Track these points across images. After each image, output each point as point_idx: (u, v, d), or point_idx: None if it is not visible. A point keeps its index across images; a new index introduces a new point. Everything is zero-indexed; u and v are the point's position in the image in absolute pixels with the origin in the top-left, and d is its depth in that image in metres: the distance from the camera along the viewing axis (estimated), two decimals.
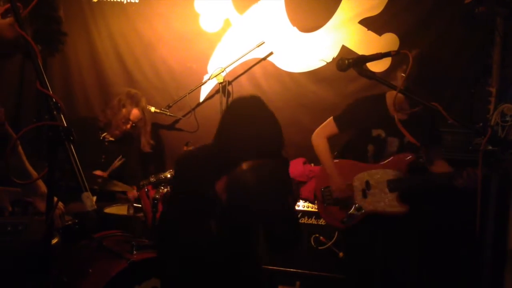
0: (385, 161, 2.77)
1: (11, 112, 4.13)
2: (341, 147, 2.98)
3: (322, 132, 2.90)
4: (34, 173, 1.92)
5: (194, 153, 2.07)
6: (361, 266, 2.81)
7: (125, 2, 4.18)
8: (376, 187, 2.75)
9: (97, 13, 4.22)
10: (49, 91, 1.27)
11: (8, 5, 1.59)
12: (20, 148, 1.76)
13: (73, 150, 1.21)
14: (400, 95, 2.50)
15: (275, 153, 1.89)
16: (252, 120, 1.88)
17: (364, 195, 2.77)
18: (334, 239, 3.32)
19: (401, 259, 2.80)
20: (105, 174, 3.43)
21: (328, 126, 2.89)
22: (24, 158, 1.85)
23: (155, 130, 3.95)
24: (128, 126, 3.67)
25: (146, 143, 3.78)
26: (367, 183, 2.77)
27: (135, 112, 3.68)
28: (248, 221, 1.90)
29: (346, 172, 2.82)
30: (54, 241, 1.77)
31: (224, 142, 1.89)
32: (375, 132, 2.78)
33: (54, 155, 1.21)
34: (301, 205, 3.45)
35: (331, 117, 2.89)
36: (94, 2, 4.22)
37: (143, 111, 3.73)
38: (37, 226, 1.62)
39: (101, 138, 3.68)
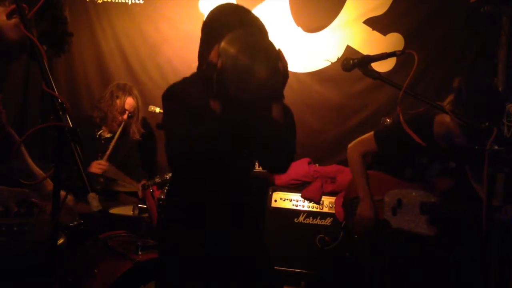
0: (421, 183, 2.66)
1: (16, 113, 4.15)
2: (379, 158, 2.84)
3: (361, 147, 2.75)
4: (40, 172, 1.92)
5: (178, 82, 1.96)
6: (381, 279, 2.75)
7: (130, 3, 4.19)
8: (407, 207, 2.66)
9: (102, 14, 4.23)
10: (55, 92, 1.27)
11: (13, 6, 1.60)
12: (23, 148, 1.73)
13: (79, 150, 1.22)
14: (451, 121, 2.40)
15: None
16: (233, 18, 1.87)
17: (394, 213, 2.70)
18: (339, 239, 3.32)
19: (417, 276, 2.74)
20: (105, 164, 3.44)
21: (367, 142, 2.73)
22: (28, 158, 1.85)
23: (161, 131, 3.95)
24: (125, 116, 3.67)
25: (136, 130, 3.76)
26: (399, 201, 2.69)
27: (129, 101, 3.67)
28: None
29: (378, 185, 2.72)
30: (60, 241, 1.78)
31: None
32: (418, 159, 2.67)
33: (60, 156, 1.21)
34: (306, 206, 3.45)
35: (372, 133, 2.72)
36: (99, 3, 4.23)
37: (137, 99, 3.73)
38: (43, 227, 1.62)
39: (97, 136, 3.68)
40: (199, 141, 1.74)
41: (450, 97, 2.40)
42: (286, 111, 1.87)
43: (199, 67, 1.94)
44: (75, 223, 2.60)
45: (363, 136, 2.78)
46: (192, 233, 1.93)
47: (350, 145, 2.80)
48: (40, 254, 1.54)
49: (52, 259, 1.28)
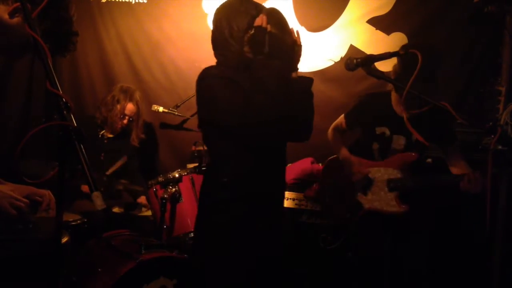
0: (387, 159, 2.74)
1: (20, 112, 4.16)
2: (349, 147, 2.98)
3: (335, 128, 2.95)
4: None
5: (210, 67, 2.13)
6: (368, 266, 2.80)
7: (133, 2, 4.20)
8: (376, 185, 2.74)
9: (106, 13, 4.24)
10: (59, 91, 1.28)
11: (16, 5, 1.59)
12: None
13: (83, 149, 1.22)
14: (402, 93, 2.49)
15: None
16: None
17: (365, 193, 2.77)
18: (342, 239, 3.31)
19: (409, 259, 2.79)
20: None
21: (339, 122, 2.93)
22: None
23: (164, 130, 3.96)
24: (125, 121, 3.68)
25: (135, 136, 3.77)
26: (369, 180, 2.76)
27: (129, 107, 3.68)
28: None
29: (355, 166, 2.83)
30: (64, 240, 1.78)
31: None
32: (379, 130, 2.76)
33: (64, 155, 1.21)
34: (309, 205, 3.44)
35: (343, 114, 2.93)
36: (103, 2, 4.23)
37: (138, 104, 3.73)
38: (47, 225, 1.63)
39: (100, 135, 3.69)
40: (264, 104, 1.90)
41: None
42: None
43: (218, 53, 2.10)
44: (78, 221, 2.62)
45: (337, 120, 2.99)
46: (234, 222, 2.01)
47: (329, 129, 2.99)
48: (44, 252, 1.55)
49: (57, 258, 1.29)
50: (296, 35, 2.06)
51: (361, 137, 2.91)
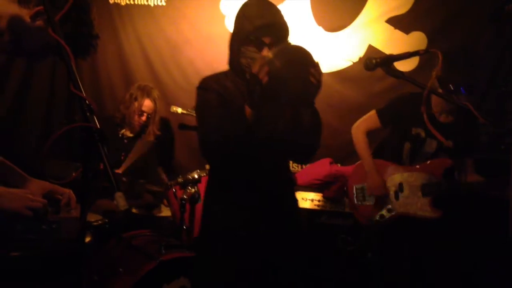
0: (421, 164, 2.72)
1: (43, 113, 4.23)
2: (377, 146, 2.95)
3: (364, 126, 2.88)
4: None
5: (212, 75, 2.14)
6: (388, 269, 2.78)
7: (152, 5, 4.24)
8: (409, 190, 2.71)
9: (125, 16, 4.29)
10: (82, 93, 1.30)
11: (37, 9, 1.62)
12: None
13: (106, 150, 1.24)
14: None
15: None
16: (273, 5, 2.01)
17: (396, 197, 2.74)
18: (361, 239, 3.29)
19: (431, 265, 2.76)
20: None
21: (370, 119, 2.88)
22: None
23: (183, 131, 3.98)
24: (144, 118, 3.71)
25: (151, 131, 3.78)
26: (400, 185, 2.73)
27: (147, 103, 3.71)
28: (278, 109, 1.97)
29: (379, 172, 2.80)
30: (87, 239, 1.81)
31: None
32: (414, 131, 2.74)
33: (87, 156, 1.23)
34: (328, 206, 3.43)
35: (374, 111, 2.87)
36: (122, 5, 4.28)
37: (155, 101, 3.75)
38: (70, 225, 1.65)
39: (120, 135, 3.72)
40: (231, 129, 1.87)
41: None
42: (315, 114, 1.99)
43: (230, 60, 2.08)
44: (100, 222, 2.65)
45: (366, 115, 2.91)
46: (228, 228, 2.03)
47: (353, 126, 2.92)
48: (68, 252, 1.57)
49: (80, 257, 1.31)
50: (316, 78, 1.88)
51: (393, 136, 2.88)
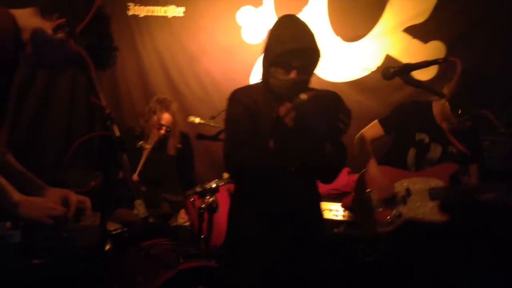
0: (428, 169, 2.74)
1: (64, 123, 4.30)
2: (383, 155, 2.95)
3: (367, 134, 2.90)
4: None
5: (243, 88, 2.19)
6: (405, 275, 2.76)
7: (170, 16, 4.30)
8: (417, 194, 2.72)
9: (143, 28, 4.35)
10: (103, 103, 1.32)
11: (60, 21, 1.66)
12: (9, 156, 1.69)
13: (126, 159, 1.26)
14: (446, 104, 2.50)
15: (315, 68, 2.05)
16: (307, 29, 2.02)
17: (404, 202, 2.74)
18: (379, 250, 3.26)
19: (448, 271, 2.73)
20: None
21: (372, 128, 2.90)
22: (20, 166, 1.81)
23: (200, 141, 4.01)
24: (162, 131, 3.74)
25: (172, 146, 3.82)
26: (408, 190, 2.74)
27: (166, 117, 3.73)
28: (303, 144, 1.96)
29: (386, 177, 2.81)
30: (107, 247, 1.82)
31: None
32: (418, 136, 2.76)
33: (108, 164, 1.25)
34: (347, 216, 3.41)
35: (376, 120, 2.91)
36: (141, 17, 4.35)
37: (174, 115, 3.78)
38: (90, 233, 1.67)
39: (138, 146, 3.75)
40: (255, 154, 1.94)
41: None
42: (340, 148, 2.03)
43: (262, 75, 2.11)
44: (119, 230, 2.67)
45: (368, 125, 2.94)
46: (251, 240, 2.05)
47: (356, 136, 2.94)
48: (88, 260, 1.59)
49: (100, 265, 1.32)
50: (345, 121, 1.87)
51: (397, 142, 2.90)
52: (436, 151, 2.75)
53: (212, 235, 2.90)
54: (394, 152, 2.91)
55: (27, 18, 1.65)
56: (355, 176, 3.58)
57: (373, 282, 3.23)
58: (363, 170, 3.01)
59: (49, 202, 1.72)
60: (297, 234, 2.06)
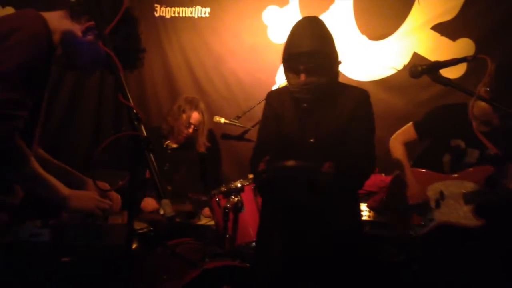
0: (463, 172, 2.67)
1: (92, 123, 4.38)
2: (417, 157, 2.90)
3: (401, 138, 2.86)
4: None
5: (279, 89, 2.37)
6: (434, 278, 2.71)
7: (196, 17, 4.32)
8: (450, 198, 2.66)
9: (170, 29, 4.38)
10: (130, 103, 1.33)
11: (89, 24, 1.68)
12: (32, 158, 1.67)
13: (152, 158, 1.27)
14: (484, 104, 2.44)
15: (330, 72, 2.10)
16: (310, 33, 2.04)
17: (438, 206, 2.68)
18: (407, 251, 3.21)
19: (480, 274, 2.67)
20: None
21: (407, 132, 2.86)
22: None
23: (226, 141, 4.03)
24: (191, 130, 3.77)
25: (202, 143, 3.84)
26: (441, 193, 2.68)
27: (195, 116, 3.77)
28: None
29: (420, 181, 2.75)
30: (134, 246, 1.85)
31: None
32: (453, 142, 2.69)
33: (135, 164, 1.27)
34: (372, 216, 3.37)
35: (411, 123, 2.86)
36: (167, 18, 4.38)
37: (202, 113, 3.82)
38: (118, 231, 1.69)
39: (164, 146, 3.79)
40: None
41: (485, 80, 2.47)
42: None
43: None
44: (145, 229, 2.70)
45: (403, 127, 2.89)
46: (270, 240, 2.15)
47: (391, 137, 2.90)
48: (115, 258, 1.61)
49: (128, 264, 1.34)
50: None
51: (432, 148, 2.84)
52: (473, 155, 2.68)
53: (237, 235, 2.91)
54: (428, 156, 2.84)
55: (57, 21, 1.68)
56: (382, 176, 3.55)
57: (399, 284, 3.19)
58: (396, 173, 2.95)
59: (96, 194, 1.76)
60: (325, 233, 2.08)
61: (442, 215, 2.66)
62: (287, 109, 2.18)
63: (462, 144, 2.67)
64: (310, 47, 2.01)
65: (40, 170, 1.63)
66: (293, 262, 2.10)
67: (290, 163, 1.93)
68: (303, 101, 2.12)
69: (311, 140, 2.11)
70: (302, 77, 2.03)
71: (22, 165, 1.54)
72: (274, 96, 2.26)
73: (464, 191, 2.64)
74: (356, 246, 2.17)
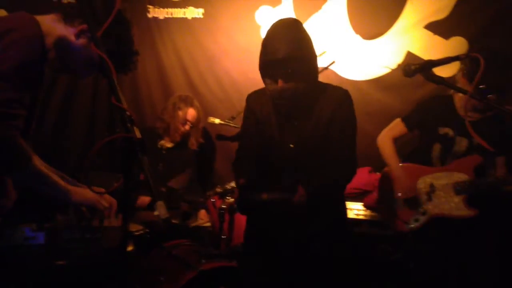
0: (451, 164, 2.69)
1: (86, 126, 4.36)
2: (407, 153, 2.92)
3: (390, 134, 2.90)
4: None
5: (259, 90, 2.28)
6: (431, 274, 2.72)
7: (190, 18, 4.31)
8: (441, 190, 2.68)
9: (164, 30, 4.38)
10: (123, 105, 1.33)
11: (82, 27, 1.68)
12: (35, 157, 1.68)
13: (146, 161, 1.27)
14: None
15: (308, 76, 2.03)
16: (284, 38, 1.98)
17: (429, 199, 2.70)
18: (403, 249, 3.22)
19: (477, 264, 2.68)
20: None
21: (395, 127, 2.91)
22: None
23: (220, 142, 4.02)
24: (187, 127, 3.77)
25: (195, 141, 3.85)
26: (432, 186, 2.70)
27: (191, 112, 3.77)
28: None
29: (410, 175, 2.78)
30: (129, 248, 1.84)
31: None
32: (442, 131, 2.74)
33: (129, 166, 1.26)
34: (368, 215, 3.38)
35: (398, 118, 2.91)
36: (161, 19, 4.38)
37: (198, 110, 3.82)
38: (113, 234, 1.69)
39: (159, 146, 3.78)
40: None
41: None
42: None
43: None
44: (141, 231, 2.70)
45: (390, 124, 2.95)
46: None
47: (379, 136, 2.96)
48: (110, 261, 1.61)
49: (123, 266, 1.33)
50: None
51: (421, 140, 2.88)
52: (461, 144, 2.71)
53: (233, 236, 2.91)
54: (418, 149, 2.88)
55: (50, 24, 1.68)
56: (377, 175, 3.55)
57: (396, 282, 3.20)
58: (384, 170, 2.98)
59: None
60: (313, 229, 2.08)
61: (434, 207, 2.68)
62: (266, 113, 2.16)
63: (450, 132, 2.71)
64: (286, 54, 1.95)
65: (42, 168, 1.62)
66: (278, 265, 2.10)
67: (263, 196, 1.97)
68: (282, 107, 2.11)
69: (291, 146, 2.10)
70: (280, 83, 1.99)
71: (25, 164, 1.54)
72: (254, 99, 2.24)
73: (454, 182, 2.66)
74: (341, 244, 2.16)
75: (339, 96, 2.13)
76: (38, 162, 1.62)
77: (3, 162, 1.48)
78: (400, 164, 2.86)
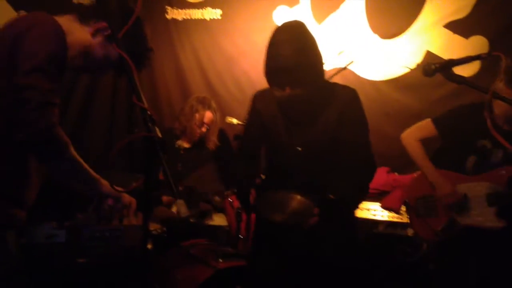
0: (486, 174, 2.60)
1: (106, 126, 4.40)
2: (434, 153, 2.83)
3: (417, 134, 2.79)
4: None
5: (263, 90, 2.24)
6: (454, 282, 2.67)
7: (208, 19, 4.34)
8: (474, 201, 2.60)
9: (182, 31, 4.41)
10: (145, 104, 1.34)
11: (98, 26, 1.70)
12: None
13: (166, 160, 1.28)
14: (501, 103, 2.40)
15: (315, 80, 1.97)
16: (289, 45, 1.92)
17: (462, 208, 2.62)
18: (422, 251, 3.19)
19: (500, 276, 2.62)
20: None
21: (424, 128, 2.78)
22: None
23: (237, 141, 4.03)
24: (204, 129, 3.79)
25: (212, 142, 3.86)
26: (465, 196, 2.63)
27: (208, 115, 3.79)
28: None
29: (450, 182, 2.68)
30: (149, 247, 1.85)
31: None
32: (480, 143, 2.62)
33: (150, 166, 1.27)
34: (386, 215, 3.35)
35: (429, 119, 2.78)
36: (179, 20, 4.41)
37: (215, 112, 3.83)
38: (132, 233, 1.70)
39: (177, 146, 3.81)
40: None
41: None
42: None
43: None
44: (159, 230, 2.72)
45: (419, 123, 2.81)
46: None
47: (404, 134, 2.82)
48: (130, 260, 1.62)
49: (143, 265, 1.34)
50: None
51: (454, 148, 2.75)
52: (497, 155, 2.61)
53: (250, 235, 2.91)
54: (450, 156, 2.75)
55: (67, 24, 1.70)
56: (395, 175, 3.53)
57: (414, 283, 3.17)
58: (417, 173, 2.89)
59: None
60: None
61: (465, 217, 2.61)
62: (272, 114, 2.12)
63: (488, 144, 2.61)
64: (290, 62, 1.89)
65: (78, 156, 1.64)
66: (286, 266, 2.09)
67: (277, 218, 1.95)
68: (291, 113, 2.09)
69: (299, 149, 2.06)
70: (287, 90, 1.93)
71: (65, 151, 1.55)
72: (260, 99, 2.20)
73: (488, 193, 2.58)
74: (350, 247, 2.13)
75: (346, 96, 2.07)
76: (74, 151, 1.63)
77: (48, 149, 1.49)
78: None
